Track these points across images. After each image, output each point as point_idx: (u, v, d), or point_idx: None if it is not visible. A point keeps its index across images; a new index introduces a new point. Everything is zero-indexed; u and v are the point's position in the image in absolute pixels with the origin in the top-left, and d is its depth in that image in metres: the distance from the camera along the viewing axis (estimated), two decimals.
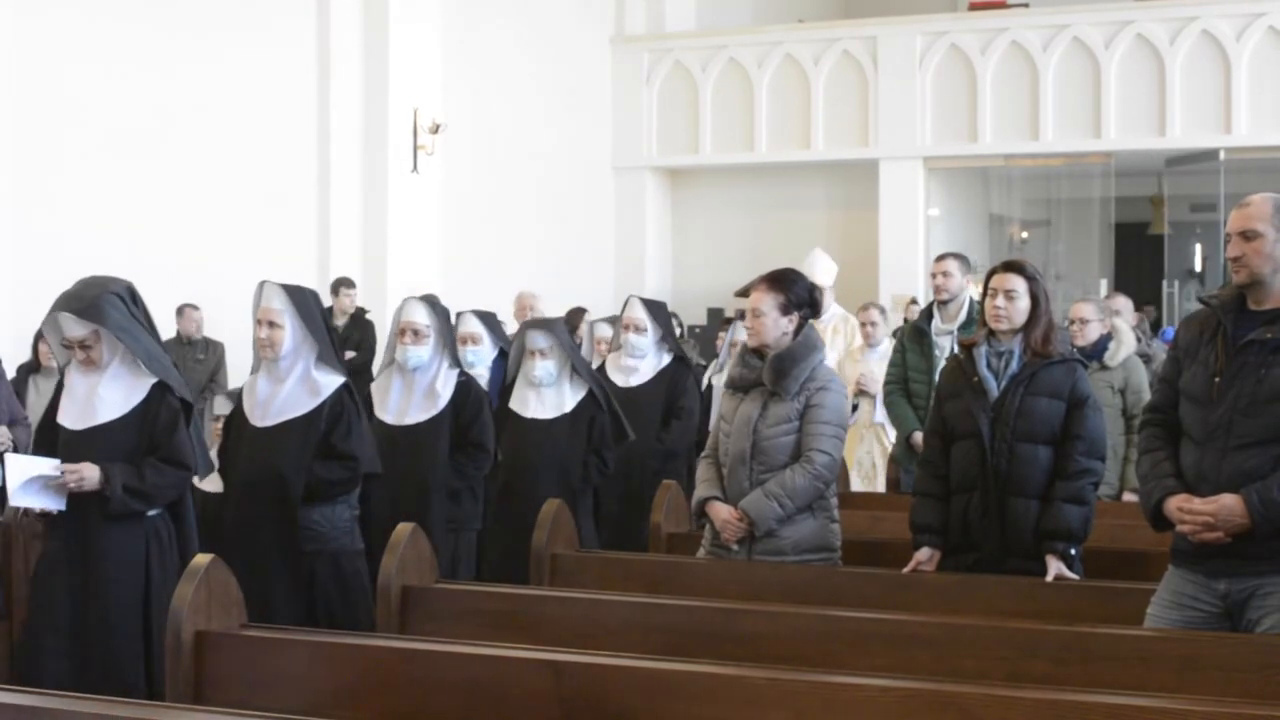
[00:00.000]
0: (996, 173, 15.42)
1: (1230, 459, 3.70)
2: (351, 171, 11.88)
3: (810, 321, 4.99)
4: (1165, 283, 15.91)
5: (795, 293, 4.88)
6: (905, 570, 4.64)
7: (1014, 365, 4.64)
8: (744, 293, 6.07)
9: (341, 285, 11.21)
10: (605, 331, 7.94)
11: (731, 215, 15.53)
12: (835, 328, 8.83)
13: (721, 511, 4.87)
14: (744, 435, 4.86)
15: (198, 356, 10.19)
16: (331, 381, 5.00)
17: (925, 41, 14.42)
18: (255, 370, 5.15)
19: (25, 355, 8.65)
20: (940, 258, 7.02)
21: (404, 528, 4.37)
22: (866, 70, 14.59)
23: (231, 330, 9.65)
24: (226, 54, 10.67)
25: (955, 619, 3.98)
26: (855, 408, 8.26)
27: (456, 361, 6.09)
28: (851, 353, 8.61)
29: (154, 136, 10.09)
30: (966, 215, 15.83)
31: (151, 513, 4.62)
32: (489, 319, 7.05)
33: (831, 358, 7.83)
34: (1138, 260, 16.72)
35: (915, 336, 6.94)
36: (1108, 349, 6.86)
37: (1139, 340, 7.51)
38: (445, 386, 5.94)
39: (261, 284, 5.04)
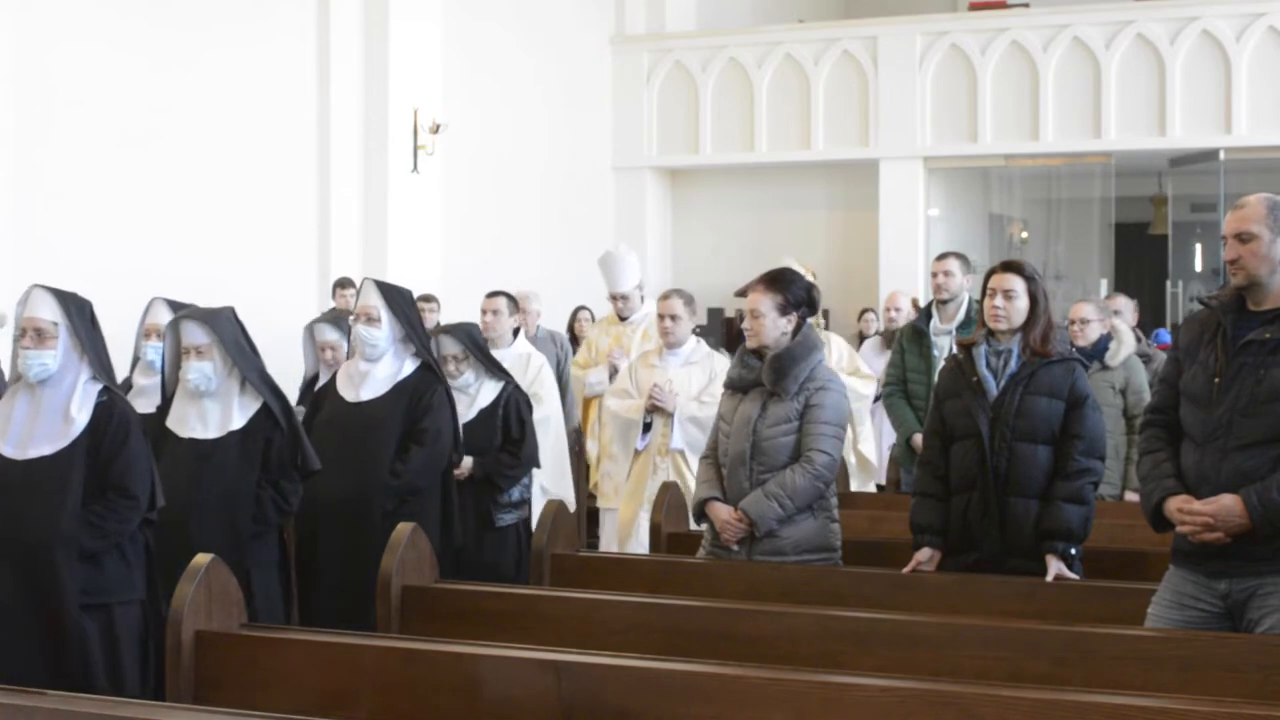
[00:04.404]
0: (996, 173, 15.40)
1: (1230, 459, 3.71)
2: (351, 171, 11.86)
3: (810, 321, 5.01)
4: (1169, 283, 15.87)
5: (793, 292, 4.89)
6: (905, 570, 4.64)
7: (1013, 365, 4.64)
8: (743, 293, 6.00)
9: (339, 286, 11.11)
10: (329, 335, 6.63)
11: (731, 215, 15.52)
12: (646, 331, 7.68)
13: (721, 512, 4.87)
14: (743, 435, 4.86)
15: None
16: None
17: (925, 41, 14.40)
18: None
19: None
20: (941, 256, 7.01)
21: (404, 527, 4.37)
22: (866, 70, 14.57)
23: None
24: (226, 53, 10.65)
25: (955, 619, 3.98)
26: (647, 427, 6.49)
27: (105, 373, 4.56)
28: (645, 356, 6.79)
29: (153, 136, 10.07)
30: (966, 215, 15.82)
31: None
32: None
33: (624, 364, 7.20)
34: (1137, 261, 16.69)
35: (914, 337, 6.94)
36: (1108, 349, 6.88)
37: (1138, 340, 7.53)
38: (81, 408, 4.43)
39: None
